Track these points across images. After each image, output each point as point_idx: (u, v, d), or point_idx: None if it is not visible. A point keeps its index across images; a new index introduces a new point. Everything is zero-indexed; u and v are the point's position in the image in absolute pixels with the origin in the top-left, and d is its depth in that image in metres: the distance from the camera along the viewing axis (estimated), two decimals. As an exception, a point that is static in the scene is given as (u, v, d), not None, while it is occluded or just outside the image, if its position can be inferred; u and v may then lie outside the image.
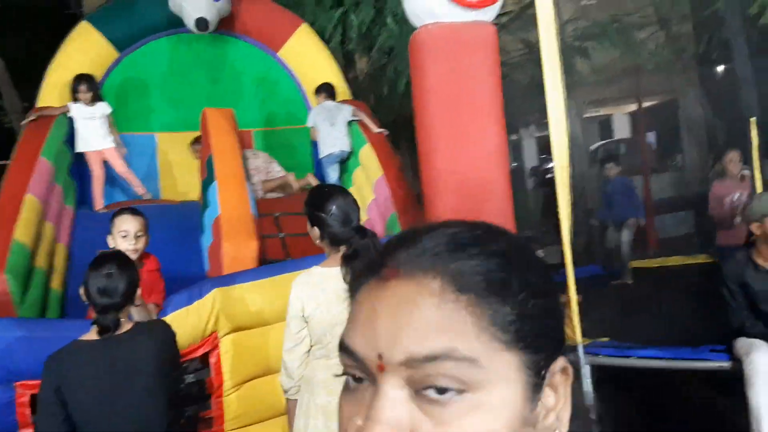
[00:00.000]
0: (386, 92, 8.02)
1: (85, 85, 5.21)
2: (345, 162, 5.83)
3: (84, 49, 5.77)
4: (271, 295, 3.34)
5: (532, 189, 15.52)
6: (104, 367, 2.17)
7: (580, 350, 3.74)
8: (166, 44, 6.14)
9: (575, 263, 6.28)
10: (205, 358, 3.28)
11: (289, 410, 2.45)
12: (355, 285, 0.64)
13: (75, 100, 5.25)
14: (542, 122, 16.44)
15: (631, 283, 6.46)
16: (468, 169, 3.63)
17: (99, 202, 5.29)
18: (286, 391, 2.42)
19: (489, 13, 3.73)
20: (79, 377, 2.15)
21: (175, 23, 5.86)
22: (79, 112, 5.23)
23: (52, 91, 5.63)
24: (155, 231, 5.06)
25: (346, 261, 2.30)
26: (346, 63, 7.95)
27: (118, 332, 2.23)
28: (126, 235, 3.14)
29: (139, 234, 3.18)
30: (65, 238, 4.91)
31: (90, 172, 5.37)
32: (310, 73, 6.27)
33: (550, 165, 19.80)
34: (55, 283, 4.45)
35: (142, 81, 6.07)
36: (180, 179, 5.98)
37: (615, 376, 3.92)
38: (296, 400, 2.40)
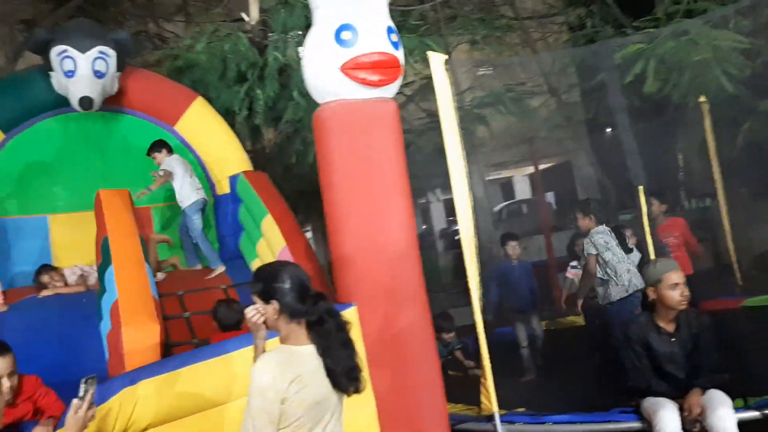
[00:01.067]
0: (294, 162, 8.03)
1: None
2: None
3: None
4: (185, 388, 3.18)
5: (442, 251, 15.80)
6: None
7: (497, 418, 3.76)
8: (55, 124, 5.91)
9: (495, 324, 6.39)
10: None
11: None
12: None
13: None
14: (448, 186, 16.97)
15: (540, 347, 6.44)
16: (377, 240, 3.65)
17: None
18: None
19: (390, 90, 3.83)
20: None
21: (63, 103, 5.67)
22: None
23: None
24: (50, 323, 4.79)
25: (312, 328, 2.25)
26: (252, 135, 7.92)
27: None
28: None
29: (10, 373, 3.00)
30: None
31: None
32: (208, 145, 6.19)
33: (457, 227, 20.40)
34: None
35: (31, 163, 5.80)
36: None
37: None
38: None
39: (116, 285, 4.03)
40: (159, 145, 5.72)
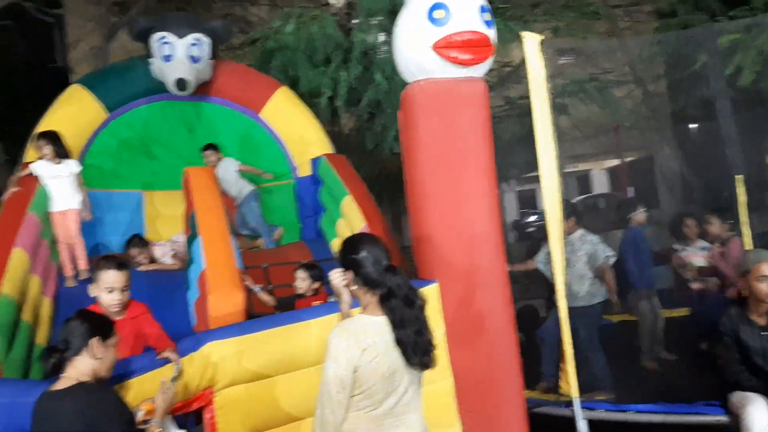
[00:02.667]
0: (372, 147, 8.10)
1: (43, 141, 4.99)
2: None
3: (75, 109, 5.83)
4: (270, 348, 3.29)
5: (514, 242, 15.61)
6: (41, 421, 2.34)
7: (576, 404, 3.71)
8: (153, 108, 6.25)
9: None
10: (199, 414, 3.19)
11: None
12: None
13: (44, 157, 5.01)
14: (522, 177, 16.70)
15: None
16: (460, 224, 3.64)
17: (68, 269, 4.98)
18: None
19: (480, 70, 3.81)
20: (33, 425, 2.37)
21: (161, 90, 6.05)
22: (44, 170, 4.99)
23: (39, 147, 5.63)
24: (141, 289, 5.03)
25: (383, 301, 2.32)
26: (331, 119, 8.05)
27: (57, 388, 2.37)
28: (112, 291, 3.11)
29: (124, 288, 3.14)
30: (51, 292, 4.81)
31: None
32: (291, 131, 6.39)
33: (531, 219, 20.07)
34: (40, 338, 4.33)
35: (130, 141, 6.14)
36: (165, 236, 5.93)
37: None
38: None
39: (204, 256, 4.17)
40: (212, 147, 6.15)
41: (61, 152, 5.04)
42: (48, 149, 4.96)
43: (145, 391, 2.86)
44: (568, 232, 5.20)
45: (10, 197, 4.87)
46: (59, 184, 4.97)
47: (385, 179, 11.20)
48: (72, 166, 5.05)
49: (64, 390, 2.37)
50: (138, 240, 5.31)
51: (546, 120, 3.80)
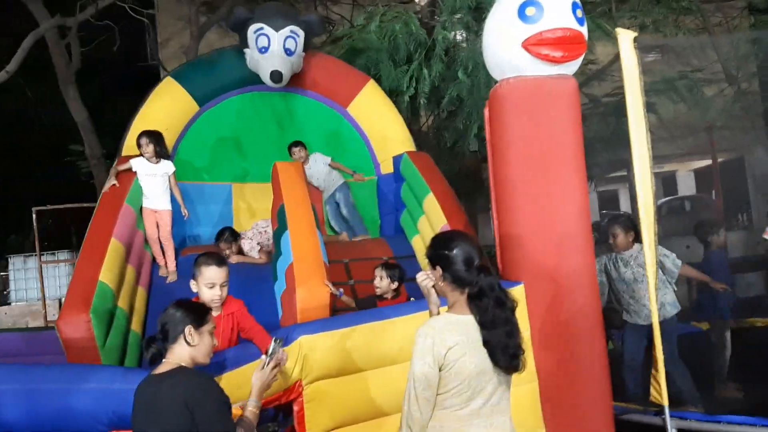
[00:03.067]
0: (452, 145, 8.07)
1: (146, 139, 5.19)
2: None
3: (167, 102, 6.01)
4: (357, 344, 3.34)
5: (595, 244, 15.18)
6: (144, 402, 2.44)
7: (667, 412, 3.59)
8: (242, 100, 6.38)
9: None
10: (288, 406, 3.27)
11: None
12: None
13: (143, 154, 5.23)
14: (604, 177, 16.24)
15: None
16: (549, 224, 3.58)
17: (160, 259, 5.23)
18: None
19: (571, 67, 3.74)
20: (134, 408, 2.47)
21: (251, 81, 6.15)
22: (141, 167, 5.20)
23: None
24: (230, 280, 5.20)
25: (472, 299, 2.31)
26: (411, 116, 8.07)
27: (158, 371, 2.47)
28: (212, 286, 3.20)
29: (224, 284, 3.23)
30: (145, 282, 5.04)
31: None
32: (376, 127, 6.42)
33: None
34: (135, 325, 4.54)
35: (220, 134, 6.30)
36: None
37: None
38: None
39: (291, 250, 4.26)
40: (299, 144, 6.23)
41: (162, 152, 5.25)
42: (150, 148, 5.16)
43: (240, 383, 2.95)
44: (624, 247, 4.93)
45: (107, 191, 5.11)
46: (153, 182, 5.18)
47: (463, 178, 11.16)
48: (167, 167, 5.25)
49: (164, 373, 2.47)
50: (228, 234, 5.41)
51: (640, 119, 3.69)
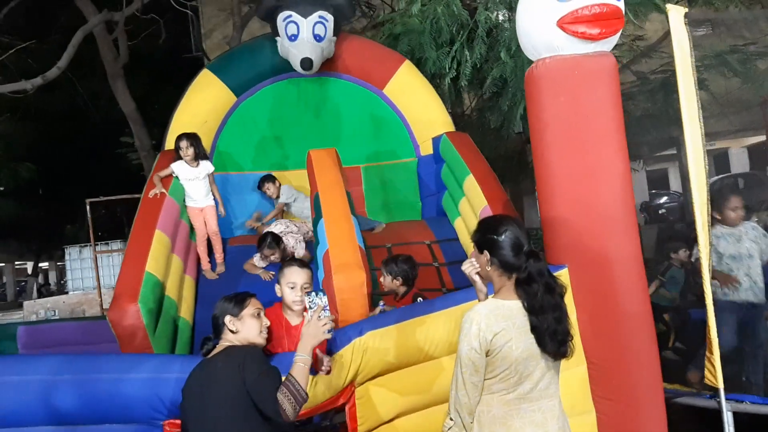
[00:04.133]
0: (497, 127, 7.98)
1: (186, 142, 5.26)
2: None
3: (206, 95, 6.11)
4: (407, 338, 3.34)
5: (643, 225, 14.88)
6: (199, 382, 2.57)
7: (722, 395, 3.51)
8: (278, 88, 6.41)
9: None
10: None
11: None
12: None
13: (179, 157, 5.30)
14: (652, 156, 15.82)
15: None
16: (592, 206, 3.51)
17: (204, 260, 5.32)
18: (449, 429, 2.35)
19: (608, 44, 3.64)
20: (187, 389, 2.61)
21: (285, 68, 6.16)
22: (182, 171, 5.29)
23: (178, 133, 5.90)
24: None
25: (520, 285, 2.29)
26: (453, 99, 8.00)
27: (212, 354, 2.65)
28: (294, 287, 3.26)
29: (305, 286, 3.28)
30: (192, 271, 5.17)
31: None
32: (414, 108, 6.36)
33: (662, 200, 19.04)
34: (185, 313, 4.65)
35: (258, 123, 6.36)
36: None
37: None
38: None
39: (326, 237, 4.30)
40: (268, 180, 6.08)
41: (201, 153, 5.34)
42: (190, 151, 5.25)
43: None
44: (734, 222, 4.72)
45: (150, 183, 5.19)
46: (196, 185, 5.29)
47: (507, 160, 11.02)
48: (207, 167, 5.35)
49: (216, 354, 2.66)
50: (271, 240, 5.26)
51: (692, 96, 3.59)
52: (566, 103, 3.55)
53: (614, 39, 3.65)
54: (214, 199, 5.44)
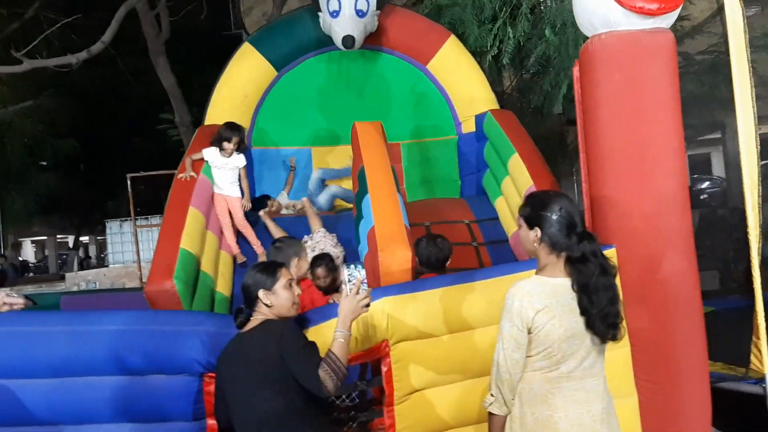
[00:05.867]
0: (539, 106, 7.85)
1: (233, 133, 5.15)
2: None
3: (246, 68, 6.10)
4: (442, 306, 3.33)
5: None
6: (236, 355, 2.59)
7: (768, 381, 3.44)
8: (319, 62, 6.36)
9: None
10: (377, 366, 3.32)
11: (494, 425, 2.38)
12: None
13: (221, 149, 5.18)
14: (695, 140, 15.43)
15: None
16: (643, 184, 3.42)
17: (233, 246, 5.23)
18: (490, 404, 2.35)
19: (668, 20, 3.52)
20: (225, 361, 2.65)
21: (326, 42, 6.10)
22: (213, 158, 5.21)
23: (219, 108, 6.02)
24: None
25: (573, 265, 2.26)
26: (494, 77, 7.88)
27: (248, 329, 2.65)
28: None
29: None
30: (227, 247, 5.21)
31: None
32: (458, 84, 6.27)
33: (703, 185, 18.58)
34: (222, 287, 4.70)
35: (298, 98, 6.33)
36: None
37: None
38: (504, 416, 2.34)
39: (372, 213, 4.27)
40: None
41: (241, 147, 5.26)
42: (234, 143, 5.14)
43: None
44: None
45: (185, 162, 5.21)
46: (223, 174, 5.21)
47: (545, 142, 10.86)
48: (239, 161, 5.24)
49: (251, 329, 2.66)
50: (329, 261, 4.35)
51: (745, 78, 3.47)
52: (621, 81, 3.44)
53: (674, 15, 3.53)
54: (241, 191, 5.32)
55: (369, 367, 3.50)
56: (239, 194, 5.28)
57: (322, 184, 6.06)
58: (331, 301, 3.62)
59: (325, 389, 2.40)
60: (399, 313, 3.26)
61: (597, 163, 3.59)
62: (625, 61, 3.44)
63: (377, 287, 3.53)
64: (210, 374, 3.01)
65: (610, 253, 3.40)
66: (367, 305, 2.60)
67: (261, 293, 2.68)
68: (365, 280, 2.62)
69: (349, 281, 2.62)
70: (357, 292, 2.57)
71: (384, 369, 3.28)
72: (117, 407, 3.06)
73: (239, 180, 5.30)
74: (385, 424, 3.33)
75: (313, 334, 3.11)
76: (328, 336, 2.97)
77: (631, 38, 3.44)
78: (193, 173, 5.06)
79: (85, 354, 3.07)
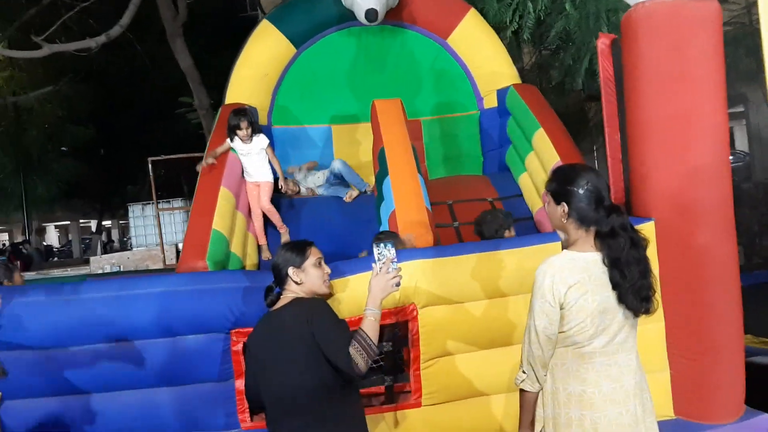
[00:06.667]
0: (560, 82, 7.73)
1: (240, 117, 5.03)
2: None
3: (265, 46, 6.00)
4: (468, 273, 3.29)
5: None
6: (267, 332, 2.59)
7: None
8: (338, 39, 6.24)
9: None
10: (404, 329, 3.30)
11: (526, 402, 2.34)
12: None
13: (232, 137, 5.08)
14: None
15: None
16: (685, 157, 3.31)
17: (261, 238, 5.16)
18: (522, 381, 2.31)
19: (713, -12, 3.38)
20: (255, 338, 2.65)
21: (346, 18, 5.99)
22: (237, 146, 5.10)
23: (238, 87, 5.94)
24: (333, 221, 5.27)
25: (603, 239, 2.21)
26: (515, 53, 7.77)
27: (278, 306, 2.64)
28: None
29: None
30: (254, 230, 5.16)
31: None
32: (479, 58, 6.14)
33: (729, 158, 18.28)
34: (249, 268, 4.69)
35: (318, 75, 6.22)
36: (355, 170, 6.10)
37: None
38: (536, 392, 2.31)
39: (393, 196, 4.22)
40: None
41: (255, 128, 5.14)
42: (245, 126, 5.02)
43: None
44: None
45: (213, 142, 5.15)
46: (250, 159, 5.11)
47: (565, 119, 10.72)
48: (262, 142, 5.13)
49: (282, 307, 2.64)
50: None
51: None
52: (665, 51, 3.31)
53: None
54: (274, 174, 5.23)
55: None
56: (271, 178, 5.19)
57: (334, 178, 5.91)
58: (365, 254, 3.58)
59: (356, 367, 2.39)
60: (426, 277, 3.23)
61: (637, 134, 3.47)
62: (669, 31, 3.30)
63: (403, 249, 3.48)
64: (238, 330, 3.04)
65: (648, 226, 3.32)
66: (398, 284, 2.56)
67: (291, 271, 2.67)
68: (395, 259, 2.57)
69: (379, 260, 2.57)
70: (387, 271, 2.54)
71: (411, 332, 3.27)
72: (150, 371, 3.12)
73: (269, 161, 5.22)
74: (411, 388, 3.33)
75: (340, 285, 3.15)
76: (356, 289, 3.08)
77: (676, 6, 3.30)
78: (213, 160, 4.97)
79: (119, 318, 3.10)
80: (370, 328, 2.47)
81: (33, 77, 18.18)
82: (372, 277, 2.56)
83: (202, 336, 3.13)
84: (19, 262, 22.46)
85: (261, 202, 5.13)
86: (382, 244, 2.60)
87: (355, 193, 5.59)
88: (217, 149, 5.09)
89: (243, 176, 5.17)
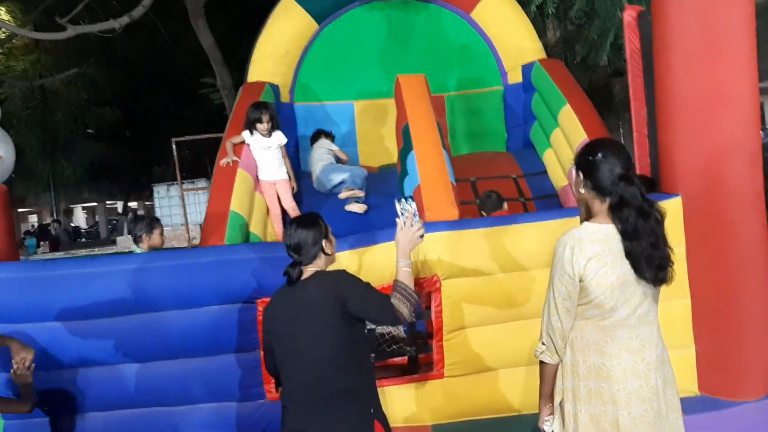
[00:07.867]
0: (584, 57, 7.61)
1: (263, 112, 4.94)
2: None
3: (287, 23, 5.97)
4: (490, 246, 3.29)
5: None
6: (289, 306, 2.58)
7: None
8: (361, 14, 6.19)
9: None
10: (427, 301, 3.32)
11: (545, 374, 2.33)
12: None
13: (252, 131, 4.98)
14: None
15: None
16: (713, 132, 3.24)
17: (281, 237, 4.99)
18: (541, 353, 2.30)
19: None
20: (274, 313, 2.64)
21: (370, -10, 5.92)
22: (255, 142, 5.00)
23: (260, 65, 5.93)
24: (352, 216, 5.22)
25: (614, 210, 2.19)
26: (539, 28, 7.65)
27: (303, 279, 2.62)
28: None
29: None
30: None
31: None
32: (503, 33, 6.07)
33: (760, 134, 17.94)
34: (271, 244, 4.72)
35: (340, 51, 6.18)
36: (378, 146, 6.08)
37: None
38: (555, 364, 2.30)
39: (418, 171, 4.20)
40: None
41: (275, 123, 5.06)
42: (267, 120, 4.94)
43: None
44: None
45: (232, 123, 5.15)
46: (269, 154, 5.02)
47: (590, 95, 10.58)
48: (279, 138, 5.06)
49: (305, 279, 2.62)
50: None
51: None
52: (696, 24, 3.22)
53: None
54: (287, 173, 5.15)
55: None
56: (287, 176, 5.13)
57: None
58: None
59: (401, 316, 2.48)
60: (449, 248, 3.25)
61: (666, 109, 3.40)
62: (699, 4, 3.22)
63: (433, 222, 3.49)
64: (264, 300, 3.07)
65: (676, 202, 3.28)
66: (422, 236, 2.66)
67: (324, 243, 2.68)
68: (416, 213, 2.63)
69: (402, 215, 2.63)
70: (411, 224, 2.62)
71: (435, 303, 3.28)
72: (176, 341, 3.18)
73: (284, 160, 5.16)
74: (434, 358, 3.35)
75: (356, 255, 3.23)
76: (375, 259, 3.22)
77: (708, -22, 3.21)
78: (235, 158, 4.91)
79: (140, 292, 3.15)
80: (406, 277, 2.57)
81: (58, 60, 18.35)
82: (398, 231, 2.64)
83: (229, 306, 3.18)
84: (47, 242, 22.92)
85: (284, 201, 5.07)
86: (403, 199, 2.68)
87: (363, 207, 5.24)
88: (234, 139, 5.03)
89: (257, 176, 5.05)
